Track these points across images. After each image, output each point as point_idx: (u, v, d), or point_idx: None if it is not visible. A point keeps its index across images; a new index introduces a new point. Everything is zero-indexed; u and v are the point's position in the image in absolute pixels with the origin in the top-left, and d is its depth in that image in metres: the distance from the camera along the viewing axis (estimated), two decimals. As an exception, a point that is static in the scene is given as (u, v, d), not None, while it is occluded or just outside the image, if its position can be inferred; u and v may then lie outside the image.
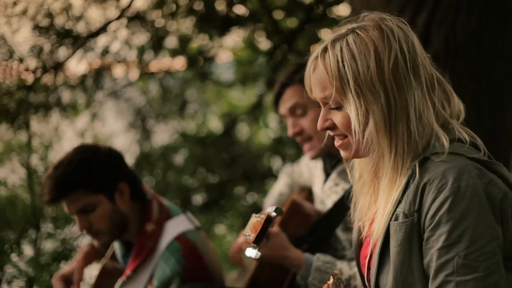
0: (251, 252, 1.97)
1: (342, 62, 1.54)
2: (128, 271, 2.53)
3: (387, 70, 1.52)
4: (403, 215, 1.53)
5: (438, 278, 1.48)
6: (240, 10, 5.08)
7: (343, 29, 1.62)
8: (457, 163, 1.50)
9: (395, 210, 1.55)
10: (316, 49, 1.63)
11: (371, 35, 1.55)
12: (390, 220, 1.55)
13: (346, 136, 1.63)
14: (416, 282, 1.53)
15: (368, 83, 1.52)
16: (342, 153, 1.67)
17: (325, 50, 1.60)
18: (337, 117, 1.62)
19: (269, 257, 2.19)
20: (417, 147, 1.54)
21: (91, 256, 2.74)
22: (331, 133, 1.67)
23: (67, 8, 3.69)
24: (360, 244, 1.79)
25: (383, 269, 1.58)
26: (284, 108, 2.56)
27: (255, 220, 2.02)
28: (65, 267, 2.72)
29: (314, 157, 2.56)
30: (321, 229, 2.47)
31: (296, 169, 3.04)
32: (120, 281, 2.54)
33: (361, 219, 1.76)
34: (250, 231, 2.01)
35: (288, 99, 2.53)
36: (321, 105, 1.66)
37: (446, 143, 1.53)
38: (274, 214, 1.95)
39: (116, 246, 2.69)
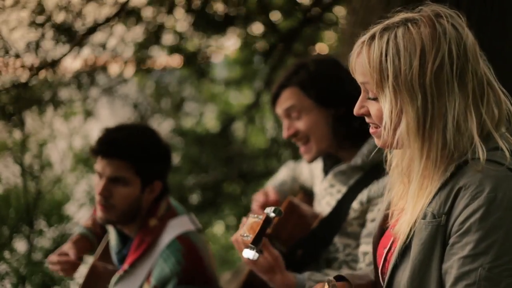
0: (249, 253, 1.92)
1: (386, 55, 1.50)
2: (125, 265, 2.51)
3: (429, 73, 1.46)
4: (431, 215, 1.49)
5: (458, 287, 1.45)
6: (238, 9, 5.07)
7: (396, 18, 1.56)
8: (497, 173, 1.45)
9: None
10: (366, 34, 1.58)
11: (421, 31, 1.49)
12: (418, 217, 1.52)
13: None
14: (432, 285, 1.50)
15: (407, 82, 1.47)
16: (376, 141, 1.64)
17: (372, 37, 1.54)
18: (372, 107, 1.59)
19: (259, 273, 2.15)
20: (452, 155, 1.49)
21: (81, 244, 2.70)
22: (367, 120, 1.65)
23: (64, 4, 3.68)
24: (381, 232, 1.75)
25: (401, 265, 1.55)
26: (280, 109, 2.53)
27: (253, 220, 1.98)
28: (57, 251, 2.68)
29: (310, 161, 2.53)
30: (318, 236, 2.44)
31: (297, 167, 3.04)
32: (117, 275, 2.51)
33: (391, 207, 1.71)
34: (247, 231, 1.97)
35: (284, 101, 2.50)
36: (361, 89, 1.62)
37: (482, 156, 1.46)
38: (272, 214, 1.91)
39: (113, 241, 2.66)
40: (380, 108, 1.55)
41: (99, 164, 2.47)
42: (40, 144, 5.73)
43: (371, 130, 1.64)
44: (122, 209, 2.48)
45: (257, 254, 1.90)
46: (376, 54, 1.51)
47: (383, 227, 1.76)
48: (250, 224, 1.97)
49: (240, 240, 2.05)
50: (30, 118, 4.91)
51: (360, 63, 1.56)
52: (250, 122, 6.70)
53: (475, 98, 1.50)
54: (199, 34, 5.26)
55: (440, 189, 1.50)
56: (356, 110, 1.64)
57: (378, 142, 1.63)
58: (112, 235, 2.66)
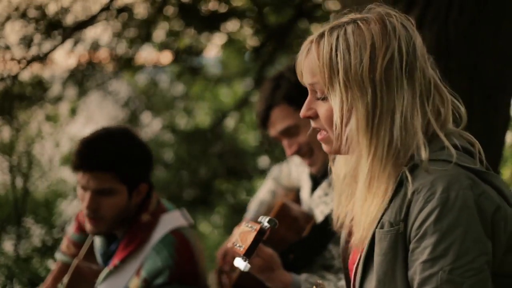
0: (240, 264, 1.87)
1: (336, 51, 1.47)
2: (116, 261, 2.45)
3: (379, 68, 1.45)
4: (389, 224, 1.45)
5: None
6: (228, 5, 5.06)
7: (345, 18, 1.54)
8: (448, 172, 1.42)
9: (381, 218, 1.47)
10: (313, 34, 1.55)
11: (371, 28, 1.48)
12: (376, 227, 1.48)
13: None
14: None
15: (358, 77, 1.46)
16: (324, 147, 1.60)
17: (321, 35, 1.52)
18: (321, 109, 1.55)
19: (255, 273, 2.11)
20: (398, 154, 1.46)
21: (62, 273, 2.66)
22: (313, 124, 1.60)
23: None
24: (347, 247, 1.71)
25: (367, 277, 1.52)
26: (274, 131, 2.43)
27: (246, 230, 1.92)
28: None
29: (318, 172, 2.46)
30: (310, 243, 2.41)
31: (284, 169, 2.94)
32: (106, 270, 2.47)
33: (348, 222, 1.65)
34: (240, 241, 1.93)
35: (278, 123, 2.40)
36: (309, 91, 1.59)
37: (424, 154, 1.44)
38: (267, 225, 1.88)
39: (98, 241, 2.63)
40: (330, 108, 1.52)
41: (82, 178, 2.37)
42: (29, 141, 5.69)
43: (318, 136, 1.60)
44: (112, 218, 2.42)
45: (248, 265, 1.86)
46: (326, 49, 1.48)
47: (348, 244, 1.71)
48: (243, 233, 1.93)
49: (232, 248, 2.01)
50: (20, 115, 4.86)
51: (309, 62, 1.53)
52: (240, 119, 6.69)
53: (422, 97, 1.48)
54: (190, 30, 5.24)
55: (393, 196, 1.46)
56: (303, 112, 1.59)
57: (326, 148, 1.59)
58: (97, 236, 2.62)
